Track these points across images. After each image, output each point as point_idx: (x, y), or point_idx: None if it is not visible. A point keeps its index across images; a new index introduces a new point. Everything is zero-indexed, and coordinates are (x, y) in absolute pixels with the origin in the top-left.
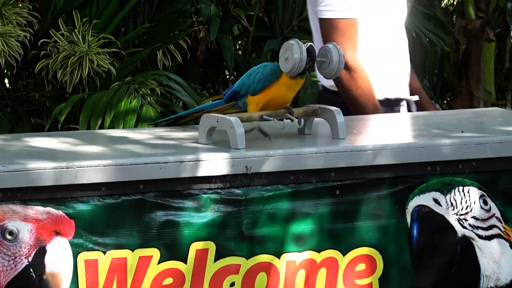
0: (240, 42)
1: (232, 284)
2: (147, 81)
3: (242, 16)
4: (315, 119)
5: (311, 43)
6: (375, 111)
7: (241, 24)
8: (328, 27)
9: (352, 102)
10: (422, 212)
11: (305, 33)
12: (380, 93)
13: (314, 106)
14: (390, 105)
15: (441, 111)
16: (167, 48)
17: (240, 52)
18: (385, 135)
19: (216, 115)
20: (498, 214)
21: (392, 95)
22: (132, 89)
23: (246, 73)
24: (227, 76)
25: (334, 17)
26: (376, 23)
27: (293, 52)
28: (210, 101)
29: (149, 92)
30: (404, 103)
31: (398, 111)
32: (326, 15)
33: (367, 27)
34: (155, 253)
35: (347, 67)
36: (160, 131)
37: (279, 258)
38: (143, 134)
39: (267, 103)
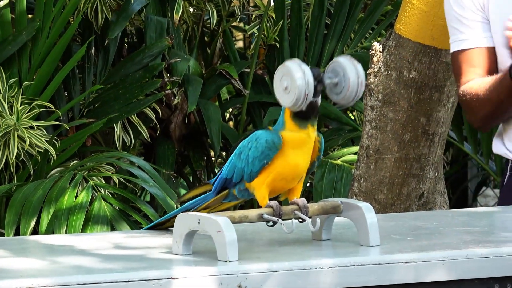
0: (231, 110)
1: None
2: (100, 167)
3: (233, 74)
4: (336, 218)
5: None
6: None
7: (233, 86)
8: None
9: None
10: None
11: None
12: None
13: (335, 201)
14: None
15: None
16: (128, 120)
17: (231, 125)
18: (435, 239)
19: (197, 214)
20: None
21: None
22: (79, 178)
23: (235, 151)
24: (213, 158)
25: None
26: None
27: (294, 76)
28: (194, 194)
29: (103, 182)
30: None
31: None
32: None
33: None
34: None
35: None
36: (119, 237)
37: None
38: (96, 241)
39: (273, 182)
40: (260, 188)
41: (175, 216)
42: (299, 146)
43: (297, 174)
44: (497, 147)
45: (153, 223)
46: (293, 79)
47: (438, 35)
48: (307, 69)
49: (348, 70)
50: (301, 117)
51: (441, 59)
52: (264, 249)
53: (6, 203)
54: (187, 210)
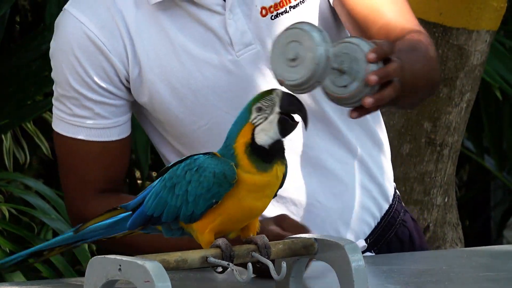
0: None
1: None
2: None
3: None
4: (311, 262)
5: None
6: None
7: None
8: None
9: None
10: None
11: None
12: None
13: (307, 238)
14: None
15: None
16: (21, 128)
17: None
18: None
19: (118, 257)
20: None
21: None
22: None
23: (163, 178)
24: (139, 182)
25: None
26: None
27: (312, 43)
28: (97, 222)
29: None
30: None
31: None
32: None
33: None
34: None
35: None
36: None
37: None
38: None
39: (220, 226)
40: (203, 232)
41: (62, 245)
42: (259, 190)
43: (253, 216)
44: None
45: (29, 250)
46: (310, 48)
47: (447, 9)
48: (327, 37)
49: (363, 56)
50: (264, 157)
51: (451, 41)
52: None
53: None
54: (83, 238)
